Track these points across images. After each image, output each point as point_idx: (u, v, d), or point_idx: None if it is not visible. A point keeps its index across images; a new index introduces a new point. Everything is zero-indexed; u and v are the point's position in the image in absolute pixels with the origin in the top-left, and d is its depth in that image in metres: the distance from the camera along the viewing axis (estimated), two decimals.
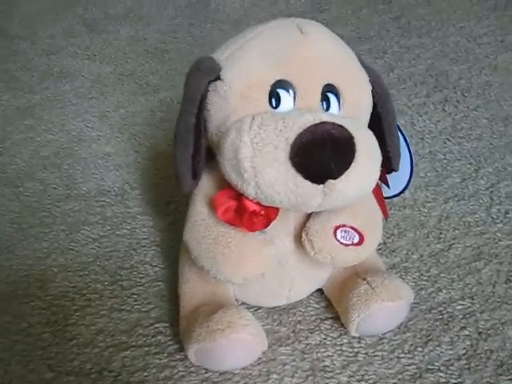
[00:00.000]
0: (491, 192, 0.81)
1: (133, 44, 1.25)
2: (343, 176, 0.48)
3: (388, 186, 0.68)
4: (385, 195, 0.70)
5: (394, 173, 0.61)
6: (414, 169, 0.68)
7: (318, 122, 0.47)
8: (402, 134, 0.66)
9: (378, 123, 0.57)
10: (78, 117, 1.00)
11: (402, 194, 0.72)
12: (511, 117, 0.96)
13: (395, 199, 0.76)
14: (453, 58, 1.14)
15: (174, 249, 0.70)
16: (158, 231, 0.76)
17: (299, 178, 0.47)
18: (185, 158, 0.52)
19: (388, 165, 0.58)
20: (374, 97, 0.57)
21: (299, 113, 0.49)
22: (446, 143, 0.91)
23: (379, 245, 0.71)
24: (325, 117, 0.48)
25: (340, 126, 0.48)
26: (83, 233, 0.76)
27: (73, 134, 0.96)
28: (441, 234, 0.75)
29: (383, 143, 0.56)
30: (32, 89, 1.09)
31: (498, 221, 0.76)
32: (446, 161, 0.87)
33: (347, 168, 0.48)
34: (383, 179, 0.67)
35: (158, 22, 1.33)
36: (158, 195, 0.82)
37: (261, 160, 0.47)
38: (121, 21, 1.34)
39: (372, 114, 0.57)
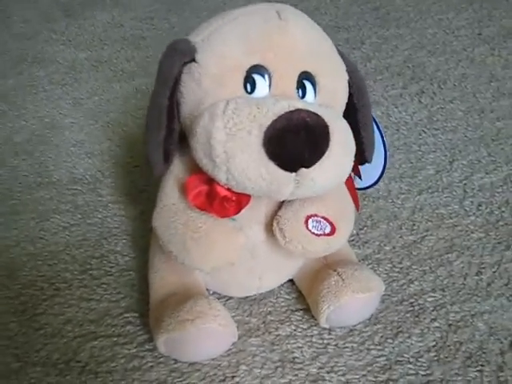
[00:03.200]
0: (465, 184, 0.81)
1: (109, 30, 1.23)
2: (316, 165, 0.47)
3: (360, 178, 0.68)
4: (358, 186, 0.70)
5: (367, 164, 0.61)
6: (387, 161, 0.68)
7: (292, 109, 0.46)
8: (377, 126, 0.65)
9: (353, 114, 0.57)
10: (52, 103, 0.99)
11: (376, 185, 0.72)
12: (486, 109, 0.96)
13: (369, 190, 0.76)
14: (430, 49, 1.14)
15: (145, 238, 0.69)
16: (129, 220, 0.75)
17: (271, 166, 0.46)
18: (157, 141, 0.51)
19: (361, 156, 0.58)
20: (350, 87, 0.56)
21: (274, 99, 0.48)
22: (421, 135, 0.91)
23: (352, 236, 0.71)
24: (300, 104, 0.47)
25: (315, 114, 0.47)
26: (54, 221, 0.75)
27: (46, 120, 0.95)
28: (414, 225, 0.75)
29: (357, 134, 0.55)
30: (5, 74, 1.07)
31: (471, 213, 0.76)
32: (420, 152, 0.87)
33: (321, 157, 0.47)
34: (355, 171, 0.66)
35: (135, 9, 1.32)
36: (131, 184, 0.81)
37: (233, 145, 0.46)
38: (97, 6, 1.32)
39: (347, 105, 0.57)
